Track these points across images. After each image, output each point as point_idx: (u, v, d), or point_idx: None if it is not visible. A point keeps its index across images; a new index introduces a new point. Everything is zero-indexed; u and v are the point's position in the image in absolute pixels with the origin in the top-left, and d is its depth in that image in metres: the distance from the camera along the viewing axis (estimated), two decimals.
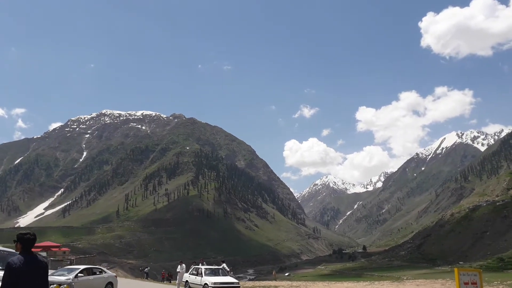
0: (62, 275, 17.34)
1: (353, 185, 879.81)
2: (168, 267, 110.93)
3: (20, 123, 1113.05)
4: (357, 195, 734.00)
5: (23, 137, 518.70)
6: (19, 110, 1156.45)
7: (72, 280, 16.59)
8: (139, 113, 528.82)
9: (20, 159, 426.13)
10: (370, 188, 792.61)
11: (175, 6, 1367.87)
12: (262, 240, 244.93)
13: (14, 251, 9.48)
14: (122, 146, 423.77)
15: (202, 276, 23.11)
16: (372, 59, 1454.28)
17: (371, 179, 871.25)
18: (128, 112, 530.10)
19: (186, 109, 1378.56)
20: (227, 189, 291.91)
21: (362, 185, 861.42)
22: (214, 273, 23.98)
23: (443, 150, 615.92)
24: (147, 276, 52.66)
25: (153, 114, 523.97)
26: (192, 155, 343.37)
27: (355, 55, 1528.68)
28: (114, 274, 21.94)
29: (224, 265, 28.55)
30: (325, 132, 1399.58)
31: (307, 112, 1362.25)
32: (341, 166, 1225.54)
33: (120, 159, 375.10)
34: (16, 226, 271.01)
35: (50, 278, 16.20)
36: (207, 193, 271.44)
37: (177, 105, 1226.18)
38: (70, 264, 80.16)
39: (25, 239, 5.64)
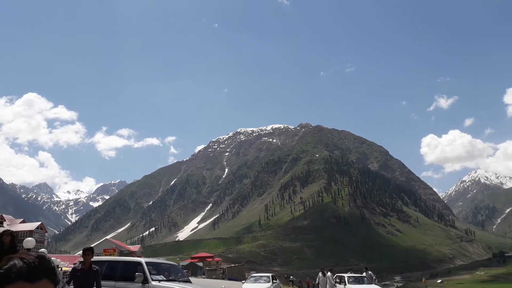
0: (260, 282, 21.94)
1: (510, 178, 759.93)
2: (311, 274, 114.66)
3: (172, 149, 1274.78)
4: None
5: (175, 161, 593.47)
6: (170, 138, 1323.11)
7: (272, 287, 21.18)
8: (269, 127, 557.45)
9: (174, 180, 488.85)
10: None
11: (290, 20, 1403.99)
12: (406, 245, 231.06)
13: (175, 263, 11.83)
14: (258, 160, 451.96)
15: (345, 284, 22.08)
16: None
17: None
18: (260, 128, 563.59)
19: (312, 118, 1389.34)
20: (362, 193, 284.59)
21: None
22: (358, 281, 22.76)
23: None
24: (293, 283, 56.51)
25: (282, 127, 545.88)
26: (322, 162, 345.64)
27: (492, 30, 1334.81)
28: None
29: (370, 272, 27.21)
30: (468, 122, 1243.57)
31: (443, 102, 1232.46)
32: (493, 158, 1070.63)
33: (257, 172, 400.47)
34: (176, 240, 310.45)
35: (253, 287, 21.18)
36: (342, 199, 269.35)
37: (304, 115, 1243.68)
38: (223, 273, 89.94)
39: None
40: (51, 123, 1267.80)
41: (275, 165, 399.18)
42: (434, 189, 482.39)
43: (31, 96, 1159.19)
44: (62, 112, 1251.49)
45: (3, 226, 72.29)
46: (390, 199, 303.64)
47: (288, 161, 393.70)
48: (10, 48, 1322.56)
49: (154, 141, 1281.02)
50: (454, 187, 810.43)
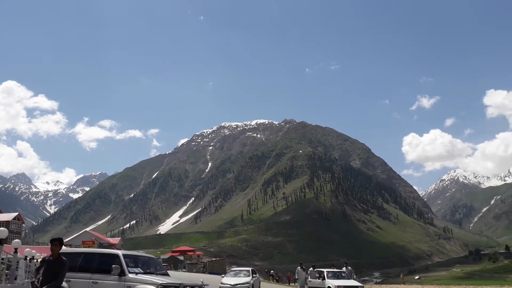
0: (239, 276, 21.43)
1: (488, 178, 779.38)
2: (292, 269, 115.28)
3: (155, 142, 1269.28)
4: (493, 189, 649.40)
5: (158, 154, 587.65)
6: (153, 131, 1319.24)
7: (251, 281, 20.75)
8: (253, 122, 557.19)
9: (156, 173, 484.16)
10: (510, 180, 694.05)
11: (276, 17, 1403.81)
12: (386, 242, 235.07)
13: (153, 256, 11.68)
14: (241, 155, 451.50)
15: (325, 279, 22.41)
16: (496, 33, 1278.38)
17: (509, 170, 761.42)
18: (244, 123, 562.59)
19: (297, 114, 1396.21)
20: (344, 190, 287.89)
21: (499, 178, 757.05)
22: (337, 276, 23.09)
23: None
24: (273, 278, 56.60)
25: (266, 122, 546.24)
26: (306, 158, 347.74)
27: (474, 32, 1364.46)
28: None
29: (350, 268, 27.86)
30: (448, 122, 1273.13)
31: (426, 102, 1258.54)
32: (471, 157, 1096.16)
33: (241, 167, 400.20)
34: (157, 233, 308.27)
35: (232, 281, 20.41)
36: (324, 195, 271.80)
37: (288, 111, 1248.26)
38: (204, 267, 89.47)
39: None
40: (31, 112, 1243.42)
41: (258, 160, 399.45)
42: (415, 187, 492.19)
43: (10, 84, 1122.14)
44: (43, 101, 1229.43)
45: None
46: (371, 196, 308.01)
47: (272, 157, 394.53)
48: None
49: (136, 133, 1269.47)
50: (433, 185, 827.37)
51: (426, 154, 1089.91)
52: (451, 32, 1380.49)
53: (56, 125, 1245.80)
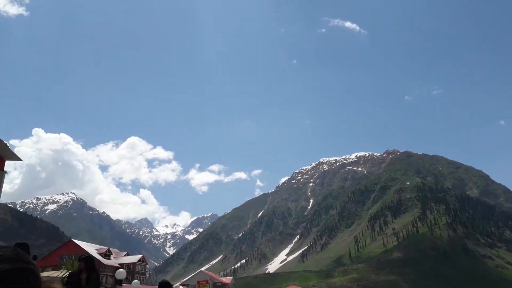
0: None
1: None
2: None
3: (258, 182, 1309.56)
4: None
5: (261, 193, 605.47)
6: (256, 171, 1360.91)
7: None
8: (353, 156, 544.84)
9: (261, 212, 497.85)
10: None
11: (366, 47, 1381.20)
12: None
13: None
14: (343, 190, 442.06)
15: None
16: None
17: None
18: (343, 157, 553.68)
19: (399, 144, 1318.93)
20: (462, 222, 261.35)
21: None
22: None
23: None
24: None
25: (367, 155, 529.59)
26: (414, 189, 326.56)
27: None
28: None
29: None
30: None
31: None
32: None
33: (343, 202, 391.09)
34: (266, 272, 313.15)
35: None
36: (439, 229, 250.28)
37: (389, 142, 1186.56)
38: None
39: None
40: (151, 163, 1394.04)
41: (362, 194, 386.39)
42: None
43: (133, 139, 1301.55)
44: (160, 152, 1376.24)
45: (110, 259, 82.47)
46: (496, 228, 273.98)
47: (376, 190, 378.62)
48: (116, 98, 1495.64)
49: (241, 175, 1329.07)
50: None
51: None
52: None
53: (172, 173, 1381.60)
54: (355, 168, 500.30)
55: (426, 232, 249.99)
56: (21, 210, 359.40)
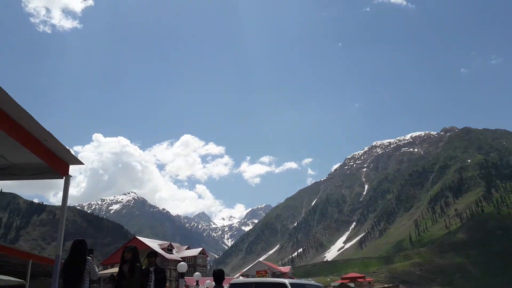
0: None
1: None
2: None
3: (309, 171, 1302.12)
4: None
5: (313, 182, 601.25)
6: (307, 160, 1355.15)
7: None
8: (408, 136, 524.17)
9: (315, 200, 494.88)
10: None
11: (415, 20, 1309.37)
12: None
13: (320, 284, 11.52)
14: (399, 173, 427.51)
15: None
16: None
17: None
18: (397, 139, 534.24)
19: (457, 120, 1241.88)
20: None
21: None
22: None
23: None
24: None
25: (423, 134, 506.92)
26: (477, 167, 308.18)
27: None
28: None
29: None
30: None
31: None
32: None
33: (400, 186, 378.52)
34: (324, 260, 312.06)
35: None
36: (507, 207, 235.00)
37: (446, 119, 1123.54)
38: None
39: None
40: (204, 159, 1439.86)
41: (420, 176, 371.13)
42: None
43: (186, 137, 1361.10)
44: (212, 148, 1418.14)
45: (172, 253, 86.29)
46: None
47: (435, 171, 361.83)
48: (167, 99, 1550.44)
49: (292, 164, 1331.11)
50: None
51: None
52: None
53: (225, 167, 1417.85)
54: (411, 149, 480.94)
55: (493, 211, 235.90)
56: (88, 212, 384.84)
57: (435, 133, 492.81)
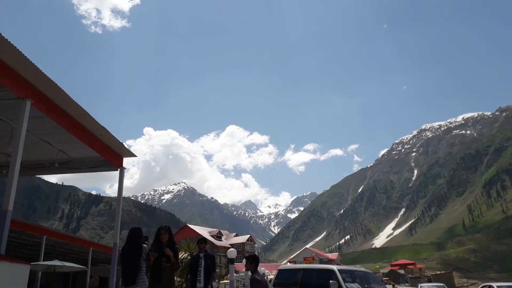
0: None
1: None
2: None
3: (356, 157, 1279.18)
4: None
5: (360, 168, 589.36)
6: (353, 146, 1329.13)
7: None
8: (459, 118, 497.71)
9: (361, 187, 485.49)
10: None
11: None
12: None
13: (369, 271, 10.93)
14: (451, 157, 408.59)
15: None
16: None
17: None
18: (448, 121, 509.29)
19: None
20: None
21: None
22: None
23: None
24: None
25: (476, 115, 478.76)
26: None
27: None
28: None
29: None
30: None
31: None
32: None
33: (452, 170, 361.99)
34: (373, 247, 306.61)
35: None
36: None
37: (502, 97, 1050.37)
38: (429, 281, 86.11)
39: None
40: (249, 148, 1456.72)
41: (473, 159, 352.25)
42: None
43: (232, 128, 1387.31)
44: (257, 137, 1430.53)
45: (222, 240, 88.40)
46: None
47: (490, 153, 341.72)
48: (211, 92, 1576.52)
49: (337, 151, 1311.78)
50: None
51: None
52: None
53: (269, 155, 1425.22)
54: (463, 132, 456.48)
55: None
56: (142, 202, 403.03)
57: (489, 113, 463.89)
